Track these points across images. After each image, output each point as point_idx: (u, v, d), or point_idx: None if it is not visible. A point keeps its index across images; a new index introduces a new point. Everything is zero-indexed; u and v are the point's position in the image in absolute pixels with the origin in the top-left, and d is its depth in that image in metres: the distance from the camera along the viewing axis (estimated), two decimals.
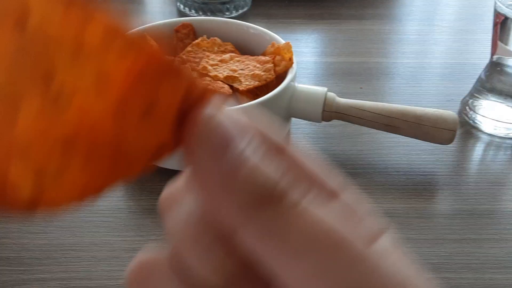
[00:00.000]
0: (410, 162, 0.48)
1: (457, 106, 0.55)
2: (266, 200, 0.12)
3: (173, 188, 0.15)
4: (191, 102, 0.13)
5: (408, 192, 0.45)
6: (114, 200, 0.43)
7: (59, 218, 0.41)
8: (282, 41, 0.50)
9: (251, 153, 0.12)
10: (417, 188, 0.45)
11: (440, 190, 0.45)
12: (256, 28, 0.52)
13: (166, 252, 0.15)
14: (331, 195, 0.13)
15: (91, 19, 0.11)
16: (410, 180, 0.46)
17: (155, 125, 0.12)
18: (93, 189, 0.13)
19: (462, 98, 0.55)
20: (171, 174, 0.45)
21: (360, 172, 0.47)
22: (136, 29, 0.12)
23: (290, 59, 0.48)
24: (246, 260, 0.13)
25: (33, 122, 0.11)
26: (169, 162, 0.48)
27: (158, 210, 0.15)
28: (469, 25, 0.73)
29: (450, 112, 0.46)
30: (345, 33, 0.70)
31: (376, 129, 0.47)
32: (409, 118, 0.45)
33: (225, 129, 0.12)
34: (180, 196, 0.15)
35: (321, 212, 0.12)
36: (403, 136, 0.48)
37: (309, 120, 0.48)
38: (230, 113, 0.13)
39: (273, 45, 0.51)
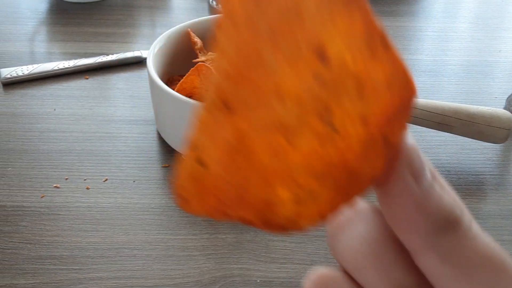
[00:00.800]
0: (460, 161, 0.47)
1: (501, 104, 0.54)
2: (449, 224, 0.14)
3: (342, 215, 0.16)
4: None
5: (462, 192, 0.44)
6: (163, 198, 0.43)
7: (110, 216, 0.41)
8: None
9: (436, 183, 0.14)
10: (470, 188, 0.45)
11: (494, 190, 0.44)
12: None
13: (340, 271, 0.16)
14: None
15: (380, 57, 0.12)
16: (462, 180, 0.45)
17: (385, 155, 0.14)
18: (330, 209, 0.14)
19: (507, 96, 0.54)
20: None
21: None
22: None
23: None
24: (422, 277, 0.14)
25: (305, 151, 0.13)
26: None
27: (326, 238, 0.17)
28: (504, 23, 0.72)
29: (503, 111, 0.45)
30: None
31: (427, 127, 0.46)
32: (462, 116, 0.44)
33: (422, 158, 0.14)
34: (351, 221, 0.16)
35: (485, 238, 0.14)
36: (450, 135, 0.47)
37: None
38: (415, 144, 0.14)
39: None
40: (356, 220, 0.16)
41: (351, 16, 0.12)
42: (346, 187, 0.14)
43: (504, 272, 0.14)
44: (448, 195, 0.14)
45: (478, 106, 0.45)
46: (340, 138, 0.13)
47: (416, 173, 0.14)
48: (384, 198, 0.14)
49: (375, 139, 0.13)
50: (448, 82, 0.59)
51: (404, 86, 0.13)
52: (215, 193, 0.14)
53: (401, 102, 0.13)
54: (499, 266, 0.14)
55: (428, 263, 0.14)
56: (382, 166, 0.14)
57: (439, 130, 0.46)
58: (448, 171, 0.46)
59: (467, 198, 0.43)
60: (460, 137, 0.47)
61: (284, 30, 0.12)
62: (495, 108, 0.45)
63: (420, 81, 0.59)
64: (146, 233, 0.40)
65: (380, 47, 0.12)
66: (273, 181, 0.14)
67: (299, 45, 0.12)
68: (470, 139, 0.47)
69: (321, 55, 0.12)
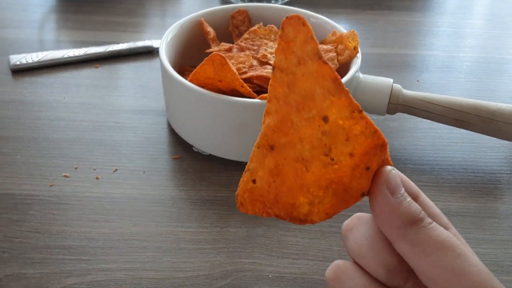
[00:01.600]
0: (476, 159, 0.46)
1: None
2: (413, 222, 0.21)
3: (350, 220, 0.24)
4: (382, 163, 0.22)
5: (479, 190, 0.43)
6: (173, 190, 0.42)
7: (120, 207, 0.40)
8: (344, 30, 0.48)
9: (406, 196, 0.22)
10: (487, 187, 0.44)
11: (511, 190, 0.43)
12: (317, 17, 0.51)
13: (350, 261, 0.24)
14: (445, 226, 0.23)
15: (357, 120, 0.20)
16: (479, 178, 0.44)
17: (368, 176, 0.22)
18: (333, 210, 0.22)
19: None
20: (227, 165, 0.44)
21: (426, 168, 0.45)
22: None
23: (355, 48, 0.46)
24: (400, 258, 0.22)
25: (315, 173, 0.22)
26: (225, 153, 0.46)
27: (341, 239, 0.26)
28: None
29: None
30: (396, 24, 0.68)
31: (444, 123, 0.45)
32: (481, 113, 0.43)
33: (396, 179, 0.22)
34: (356, 224, 0.24)
35: (440, 229, 0.21)
36: (467, 132, 0.46)
37: (372, 113, 0.46)
38: (397, 172, 0.22)
39: (334, 33, 0.49)
40: (358, 224, 0.23)
41: (340, 98, 0.20)
42: (343, 196, 0.22)
43: (451, 251, 0.20)
44: (416, 206, 0.21)
45: (497, 103, 0.44)
46: (337, 165, 0.21)
47: (392, 189, 0.21)
48: (373, 205, 0.22)
49: (359, 166, 0.21)
50: (464, 79, 0.58)
51: (373, 135, 0.21)
52: (260, 199, 0.23)
53: (373, 144, 0.21)
54: (449, 247, 0.20)
55: (402, 247, 0.21)
56: (367, 184, 0.22)
57: (456, 126, 0.45)
58: (465, 169, 0.45)
59: (483, 197, 0.42)
60: (476, 134, 0.46)
61: (304, 104, 0.21)
62: None
63: (435, 77, 0.57)
64: (156, 224, 0.39)
65: (357, 113, 0.20)
66: (296, 191, 0.22)
67: (313, 112, 0.21)
68: (487, 137, 0.46)
69: (325, 118, 0.21)
